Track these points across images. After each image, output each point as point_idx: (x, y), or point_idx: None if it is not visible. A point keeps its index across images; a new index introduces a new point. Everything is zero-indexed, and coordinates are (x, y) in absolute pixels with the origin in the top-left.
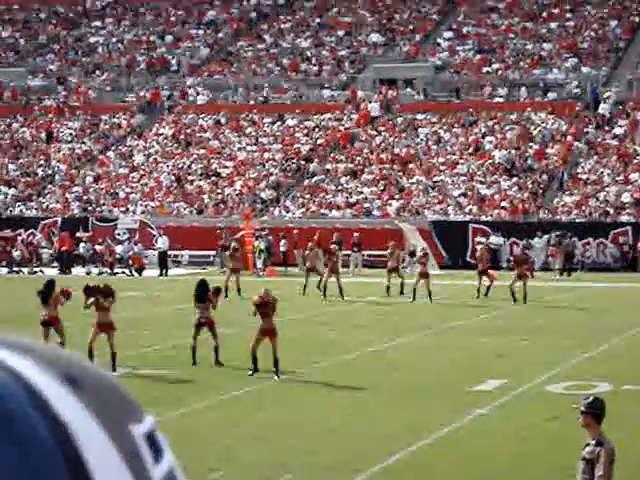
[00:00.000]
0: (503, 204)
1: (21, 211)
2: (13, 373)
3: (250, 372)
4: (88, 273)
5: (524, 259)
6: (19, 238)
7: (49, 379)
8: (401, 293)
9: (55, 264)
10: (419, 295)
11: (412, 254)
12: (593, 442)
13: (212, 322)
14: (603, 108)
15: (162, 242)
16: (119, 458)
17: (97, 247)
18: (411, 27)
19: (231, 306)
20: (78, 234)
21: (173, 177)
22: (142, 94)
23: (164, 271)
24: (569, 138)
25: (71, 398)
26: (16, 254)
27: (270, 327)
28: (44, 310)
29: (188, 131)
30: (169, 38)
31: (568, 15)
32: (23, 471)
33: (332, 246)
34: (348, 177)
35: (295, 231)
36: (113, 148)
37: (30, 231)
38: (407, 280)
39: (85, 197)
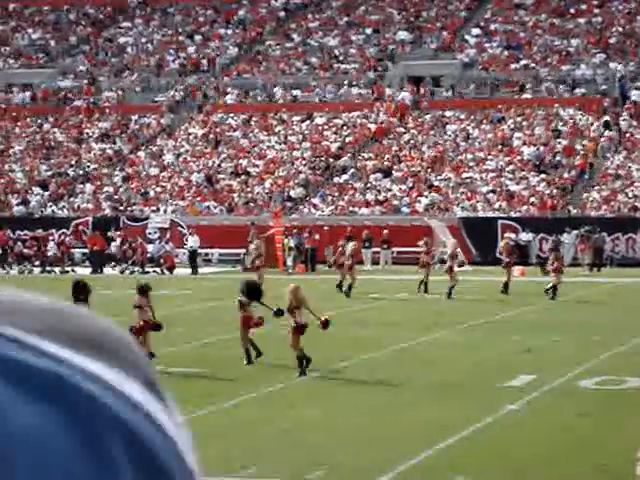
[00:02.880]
0: (532, 200)
1: (53, 211)
2: (116, 392)
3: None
4: (122, 272)
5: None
6: (51, 238)
7: (140, 389)
8: (425, 291)
9: (87, 263)
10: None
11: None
12: None
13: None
14: (635, 95)
15: (193, 241)
16: (187, 445)
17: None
18: (439, 24)
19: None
20: (109, 233)
21: (203, 176)
22: (172, 94)
23: (194, 270)
24: (602, 133)
25: (158, 406)
26: (49, 254)
27: (304, 323)
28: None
29: (217, 130)
30: (198, 38)
31: (596, 11)
32: None
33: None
34: (377, 174)
35: (325, 228)
36: (143, 148)
37: (62, 231)
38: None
39: (116, 197)
